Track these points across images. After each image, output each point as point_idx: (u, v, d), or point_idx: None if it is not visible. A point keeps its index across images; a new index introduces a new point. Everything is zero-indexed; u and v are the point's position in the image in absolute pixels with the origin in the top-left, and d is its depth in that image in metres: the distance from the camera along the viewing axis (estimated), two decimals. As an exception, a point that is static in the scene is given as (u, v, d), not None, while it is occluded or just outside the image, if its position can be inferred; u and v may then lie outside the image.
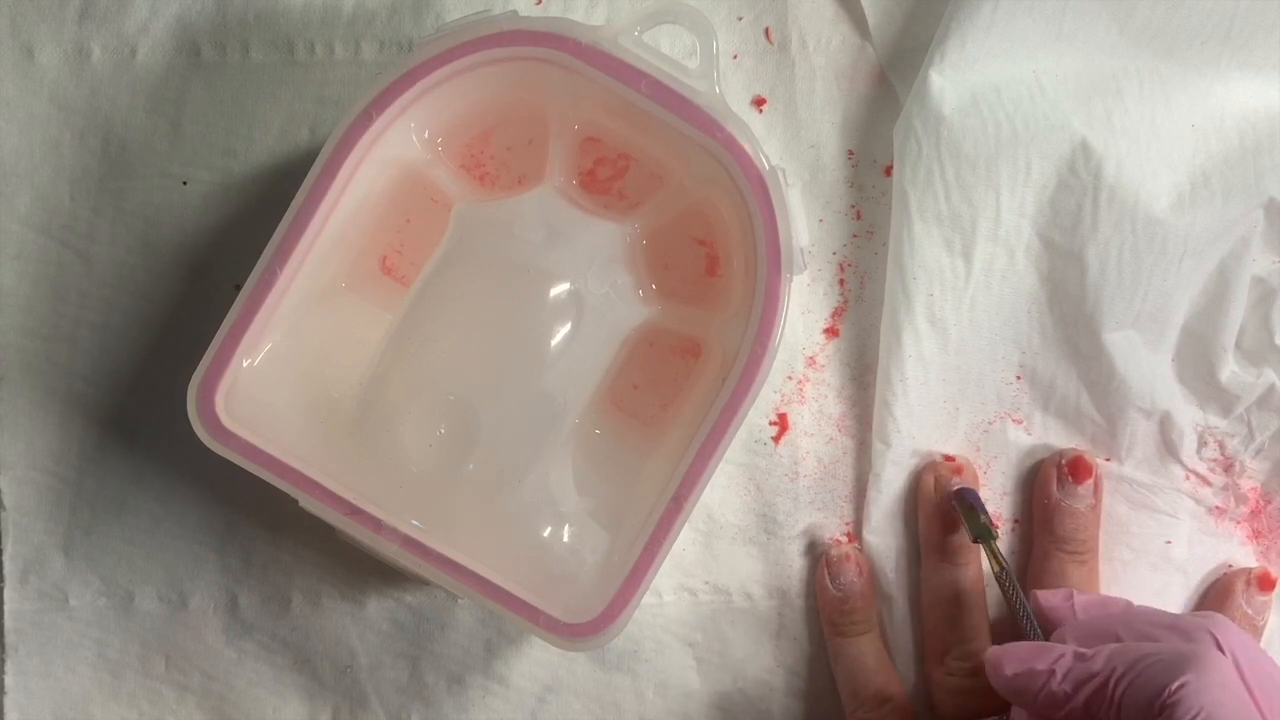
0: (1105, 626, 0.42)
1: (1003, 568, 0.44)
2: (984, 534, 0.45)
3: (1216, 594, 0.48)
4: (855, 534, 0.48)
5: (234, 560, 0.49)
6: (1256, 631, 0.47)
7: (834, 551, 0.48)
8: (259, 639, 0.49)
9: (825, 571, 0.48)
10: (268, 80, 0.48)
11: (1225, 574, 0.48)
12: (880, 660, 0.47)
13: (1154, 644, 0.39)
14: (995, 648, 0.41)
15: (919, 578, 0.48)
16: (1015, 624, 0.44)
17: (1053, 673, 0.39)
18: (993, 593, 0.48)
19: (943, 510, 0.47)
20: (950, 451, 0.48)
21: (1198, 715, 0.36)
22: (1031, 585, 0.47)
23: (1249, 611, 0.47)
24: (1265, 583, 0.47)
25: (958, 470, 0.47)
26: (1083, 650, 0.40)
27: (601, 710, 0.49)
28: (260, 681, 0.49)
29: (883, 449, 0.48)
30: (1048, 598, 0.44)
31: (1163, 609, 0.44)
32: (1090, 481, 0.47)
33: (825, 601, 0.48)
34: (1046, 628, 0.44)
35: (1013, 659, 0.41)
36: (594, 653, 0.48)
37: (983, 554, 0.46)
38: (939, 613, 0.47)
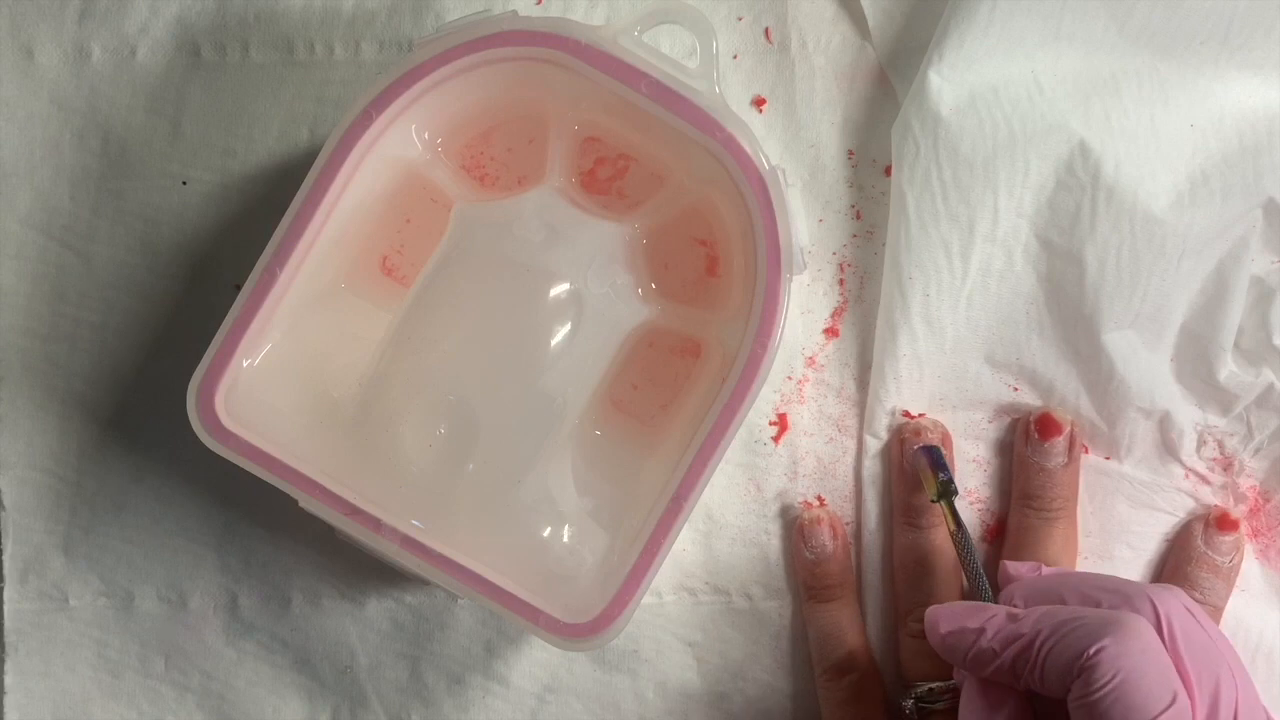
0: (1053, 589, 0.42)
1: (958, 527, 0.44)
2: (942, 492, 0.44)
3: (1179, 542, 0.48)
4: (857, 533, 0.48)
5: (234, 560, 0.49)
6: (1223, 574, 0.47)
7: (807, 515, 0.48)
8: (259, 639, 0.49)
9: (800, 535, 0.48)
10: (268, 80, 0.48)
11: (1187, 522, 0.48)
12: (852, 627, 0.47)
13: (1083, 608, 0.39)
14: (934, 607, 0.42)
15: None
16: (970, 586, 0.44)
17: (982, 631, 0.40)
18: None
19: (907, 472, 0.47)
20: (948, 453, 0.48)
21: (1114, 678, 0.36)
22: (1006, 545, 0.47)
23: (1210, 553, 0.47)
24: (1224, 523, 0.47)
25: (915, 432, 0.47)
26: (1015, 610, 0.40)
27: (601, 710, 0.49)
28: (260, 681, 0.49)
29: (875, 443, 0.48)
30: (1016, 568, 0.44)
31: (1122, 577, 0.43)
32: (1060, 439, 0.47)
33: (800, 566, 0.48)
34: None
35: (947, 617, 0.41)
36: (594, 653, 0.48)
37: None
38: (905, 575, 0.47)
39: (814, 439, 0.48)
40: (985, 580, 0.44)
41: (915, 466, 0.46)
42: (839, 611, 0.47)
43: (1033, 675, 0.38)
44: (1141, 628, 0.38)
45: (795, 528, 0.48)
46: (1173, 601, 0.40)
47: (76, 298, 0.48)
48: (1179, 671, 0.38)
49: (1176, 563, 0.47)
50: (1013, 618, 0.40)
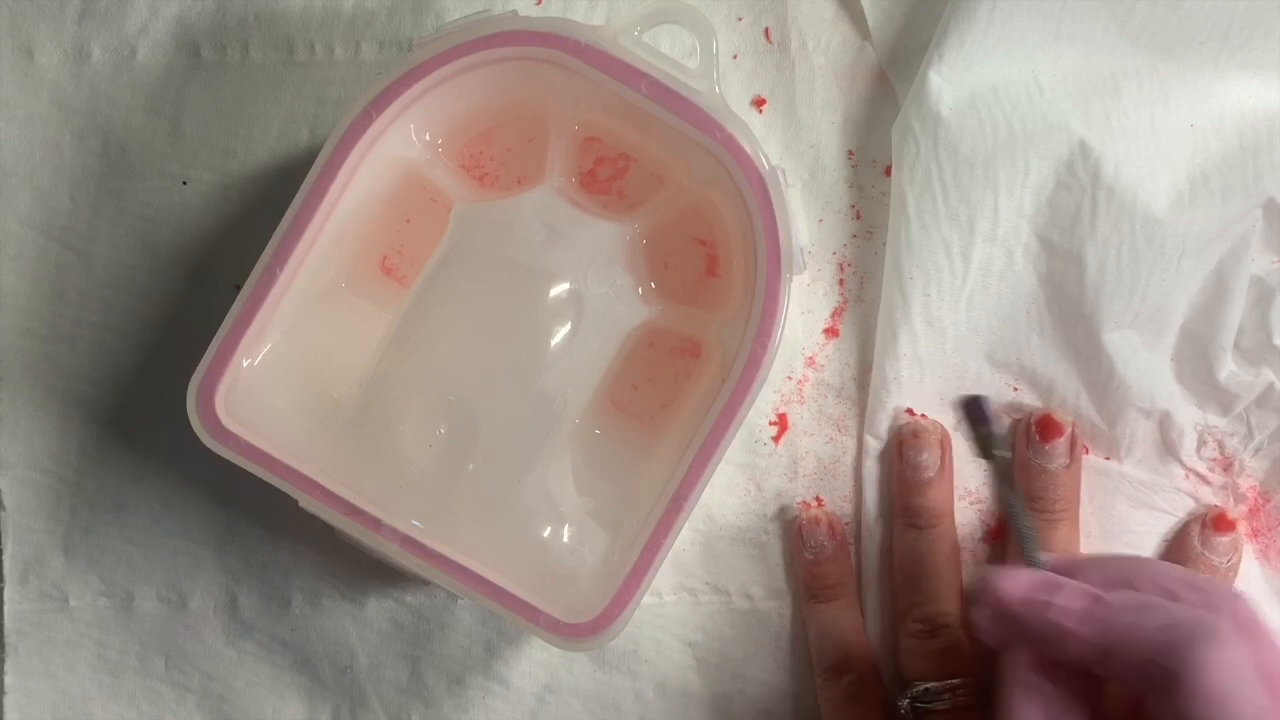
0: (1124, 573, 0.39)
1: (1011, 487, 0.42)
2: (987, 448, 0.43)
3: (1176, 544, 0.47)
4: (857, 533, 0.48)
5: (234, 560, 0.49)
6: (1220, 575, 0.46)
7: (805, 515, 0.47)
8: (259, 639, 0.49)
9: (799, 535, 0.47)
10: (268, 80, 0.48)
11: (1184, 522, 0.48)
12: (851, 628, 0.47)
13: (1177, 606, 0.37)
14: (995, 571, 0.40)
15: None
16: (1019, 551, 0.43)
17: (1061, 607, 0.38)
18: (968, 554, 0.47)
19: (902, 474, 0.47)
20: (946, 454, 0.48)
21: (1207, 692, 0.35)
22: (1010, 547, 0.47)
23: (1208, 554, 0.46)
24: (1221, 524, 0.47)
25: (915, 433, 0.46)
26: (1094, 591, 0.38)
27: (601, 710, 0.49)
28: (260, 681, 0.49)
29: (875, 444, 0.48)
30: (1046, 559, 0.42)
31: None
32: (1061, 440, 0.46)
33: (799, 566, 0.48)
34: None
35: (1014, 584, 0.39)
36: (594, 653, 0.48)
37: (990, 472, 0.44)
38: (903, 574, 0.47)
39: (814, 439, 0.48)
40: (1038, 547, 0.42)
41: (960, 418, 0.44)
42: (838, 612, 0.47)
43: (1110, 664, 0.37)
44: (1238, 642, 0.36)
45: (794, 528, 0.48)
46: (1252, 612, 0.38)
47: (76, 298, 0.48)
48: (1267, 685, 0.36)
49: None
50: (1093, 599, 0.38)
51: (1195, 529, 0.47)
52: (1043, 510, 0.46)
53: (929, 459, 0.47)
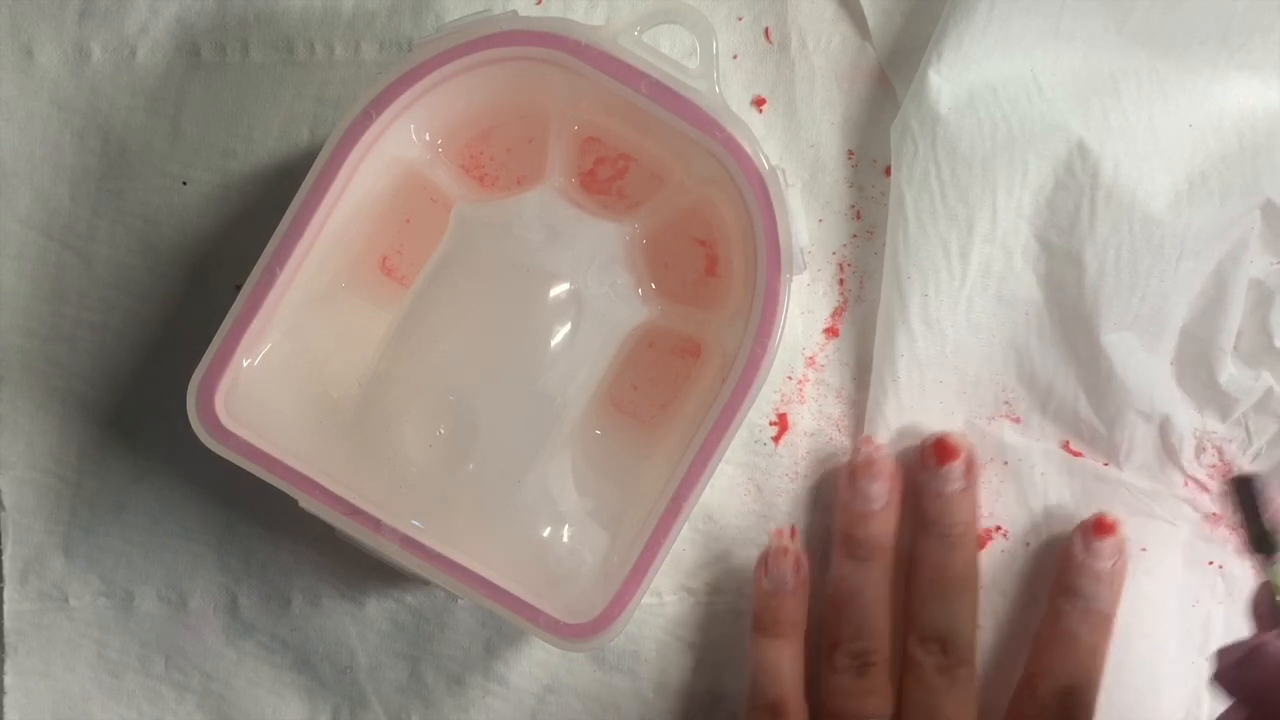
0: None
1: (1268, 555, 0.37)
2: (1265, 544, 0.38)
3: (1061, 557, 0.47)
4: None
5: (234, 560, 0.49)
6: (1105, 580, 0.46)
7: (775, 543, 0.47)
8: (259, 639, 0.49)
9: (762, 564, 0.47)
10: (268, 80, 0.48)
11: (1064, 546, 0.47)
12: (793, 670, 0.46)
13: None
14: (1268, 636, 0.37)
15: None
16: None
17: None
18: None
19: (850, 503, 0.46)
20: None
21: None
22: (904, 571, 0.46)
23: (1091, 561, 0.46)
24: (1101, 527, 0.46)
25: (868, 461, 0.46)
26: None
27: (601, 710, 0.49)
28: (260, 681, 0.49)
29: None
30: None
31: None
32: (957, 463, 0.46)
33: (756, 595, 0.47)
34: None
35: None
36: (594, 653, 0.48)
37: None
38: (836, 606, 0.46)
39: (814, 439, 0.48)
40: None
41: (1235, 499, 0.39)
42: (781, 650, 0.46)
43: None
44: None
45: (760, 555, 0.47)
46: None
47: (76, 298, 0.48)
48: None
49: (1061, 577, 0.47)
50: None
51: (1077, 537, 0.46)
52: (941, 535, 0.46)
53: (879, 490, 0.46)
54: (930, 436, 0.47)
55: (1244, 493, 0.39)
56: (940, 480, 0.46)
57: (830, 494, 0.48)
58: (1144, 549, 0.47)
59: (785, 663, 0.46)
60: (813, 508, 0.48)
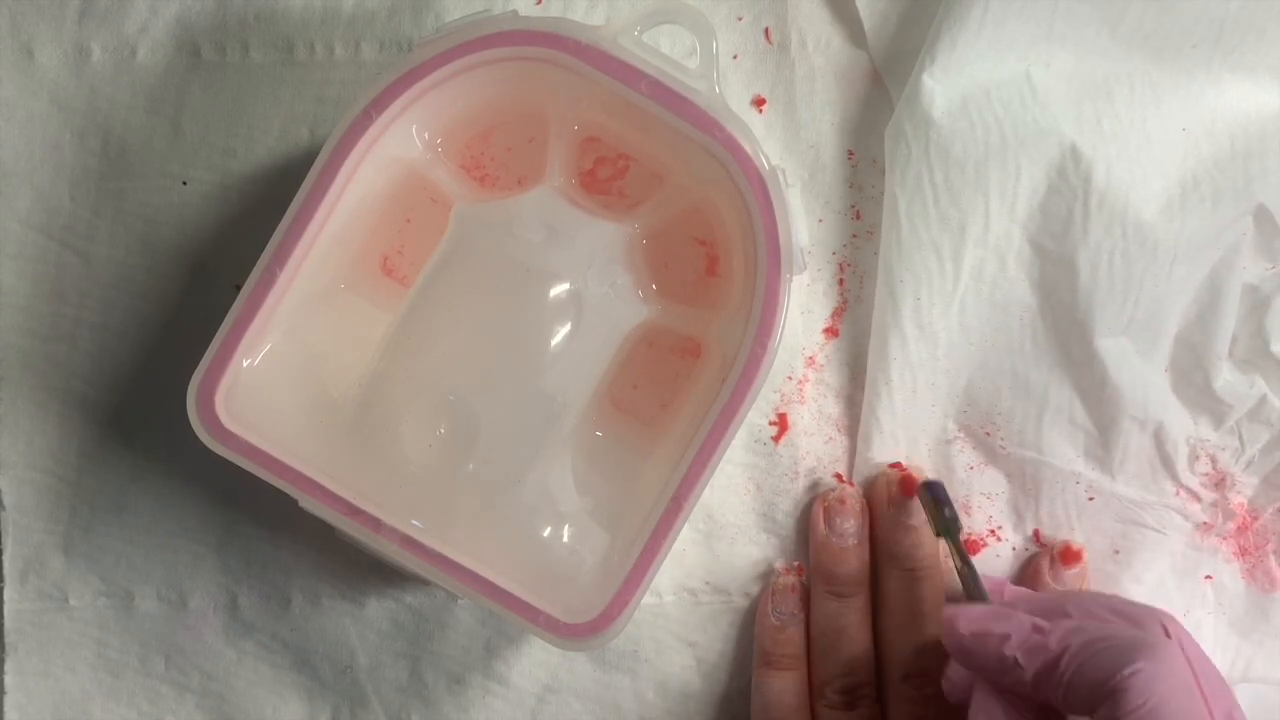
0: (1057, 603, 0.41)
1: (965, 562, 0.44)
2: (947, 529, 0.44)
3: (1026, 579, 0.48)
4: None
5: (234, 560, 0.49)
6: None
7: (781, 580, 0.48)
8: (259, 639, 0.49)
9: (769, 598, 0.47)
10: (268, 80, 0.48)
11: (1032, 557, 0.48)
12: (799, 705, 0.46)
13: (1113, 628, 0.39)
14: (954, 607, 0.41)
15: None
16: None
17: (1008, 637, 0.39)
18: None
19: (827, 541, 0.47)
20: (939, 458, 0.48)
21: (1146, 703, 0.36)
22: (871, 602, 0.47)
23: (1057, 588, 0.47)
24: (1068, 556, 0.47)
25: (840, 500, 0.47)
26: (1040, 622, 0.39)
27: (601, 710, 0.49)
28: (260, 681, 0.49)
29: (866, 453, 0.48)
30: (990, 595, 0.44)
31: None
32: (853, 521, 0.47)
33: (761, 629, 0.47)
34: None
35: (969, 619, 0.40)
36: (594, 653, 0.48)
37: (943, 548, 0.46)
38: (823, 643, 0.47)
39: (814, 439, 0.48)
40: (980, 583, 0.43)
41: (920, 501, 0.46)
42: (789, 684, 0.47)
43: (1056, 691, 0.38)
44: (1173, 653, 0.37)
45: (767, 590, 0.48)
46: (1181, 628, 0.39)
47: (76, 298, 0.48)
48: (1200, 690, 0.37)
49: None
50: (1038, 629, 0.39)
51: (1044, 564, 0.47)
52: (910, 568, 0.46)
53: (853, 526, 0.47)
54: (891, 471, 0.47)
55: (927, 493, 0.45)
56: (906, 513, 0.46)
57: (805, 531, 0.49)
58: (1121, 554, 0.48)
59: (790, 698, 0.46)
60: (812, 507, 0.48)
